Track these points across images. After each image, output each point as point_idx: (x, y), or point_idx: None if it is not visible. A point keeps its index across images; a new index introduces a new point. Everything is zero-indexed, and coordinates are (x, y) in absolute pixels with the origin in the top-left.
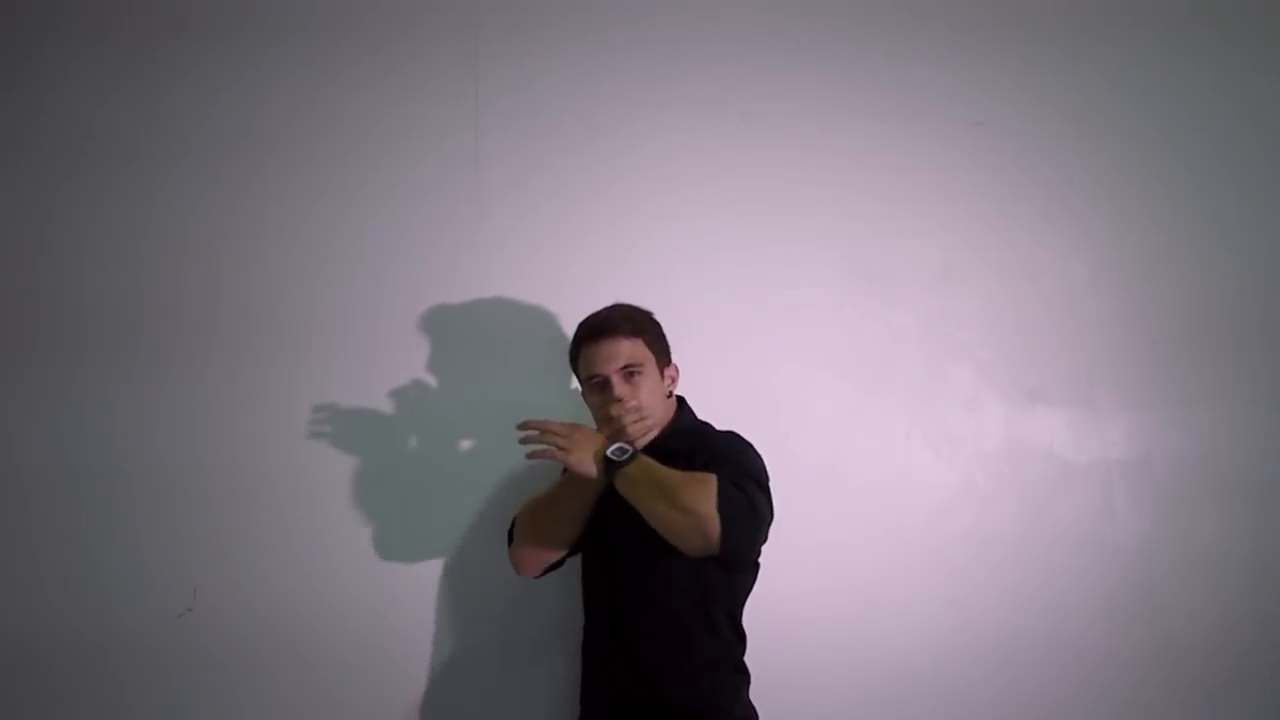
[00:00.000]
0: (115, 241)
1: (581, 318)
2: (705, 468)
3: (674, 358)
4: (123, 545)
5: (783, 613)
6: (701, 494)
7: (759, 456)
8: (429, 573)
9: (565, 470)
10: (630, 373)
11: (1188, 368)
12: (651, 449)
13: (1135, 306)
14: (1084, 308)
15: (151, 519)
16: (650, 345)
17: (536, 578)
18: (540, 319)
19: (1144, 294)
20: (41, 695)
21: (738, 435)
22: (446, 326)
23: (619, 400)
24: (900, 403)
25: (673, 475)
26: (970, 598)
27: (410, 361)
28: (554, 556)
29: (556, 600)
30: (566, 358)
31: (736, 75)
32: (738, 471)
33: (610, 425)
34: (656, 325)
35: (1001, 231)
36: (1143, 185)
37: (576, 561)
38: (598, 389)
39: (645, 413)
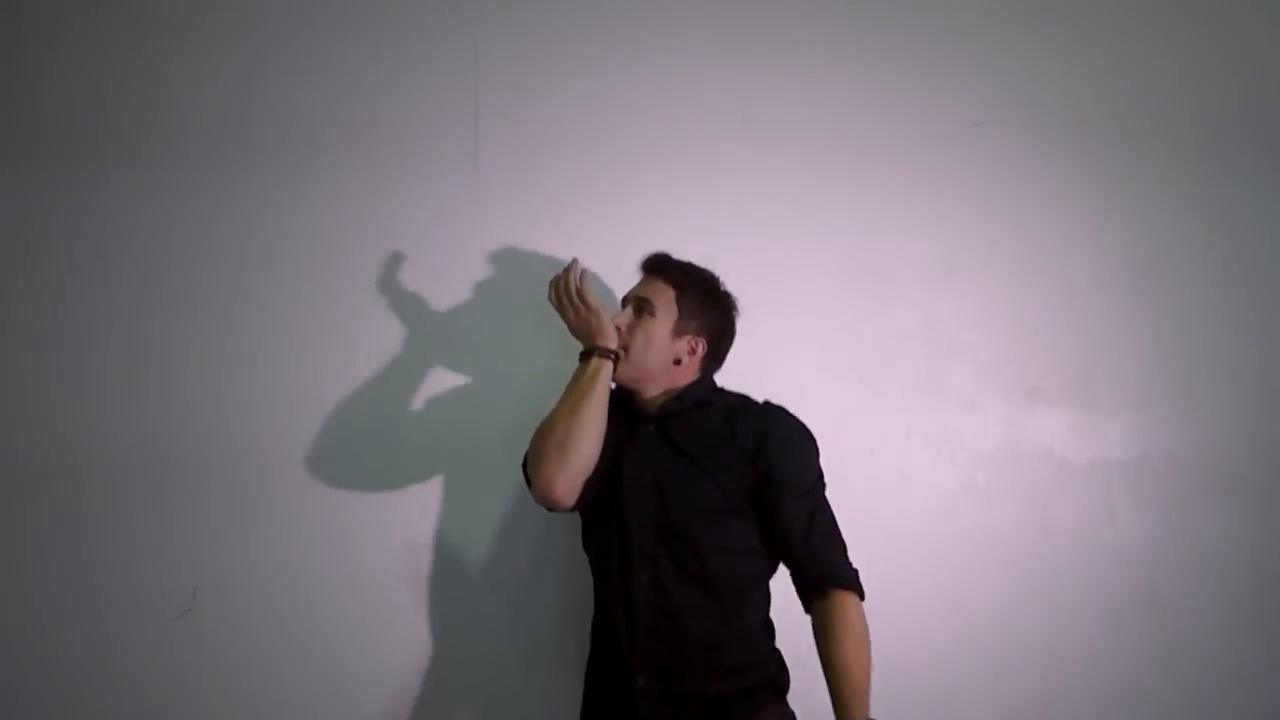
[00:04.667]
0: (113, 238)
1: None
2: (770, 487)
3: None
4: (122, 545)
5: (781, 614)
6: None
7: (814, 447)
8: (432, 571)
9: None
10: (641, 308)
11: (1188, 367)
12: (658, 412)
13: (1135, 306)
14: (1085, 307)
15: (150, 519)
16: (679, 301)
17: (574, 508)
18: (539, 316)
19: (1144, 293)
20: (42, 695)
21: (790, 420)
22: (445, 323)
23: (617, 327)
24: (900, 402)
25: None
26: (971, 598)
27: (409, 359)
28: (588, 466)
29: (563, 596)
30: (563, 357)
31: (737, 74)
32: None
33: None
34: (710, 297)
35: (1001, 231)
36: (1143, 184)
37: (572, 565)
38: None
39: (626, 345)
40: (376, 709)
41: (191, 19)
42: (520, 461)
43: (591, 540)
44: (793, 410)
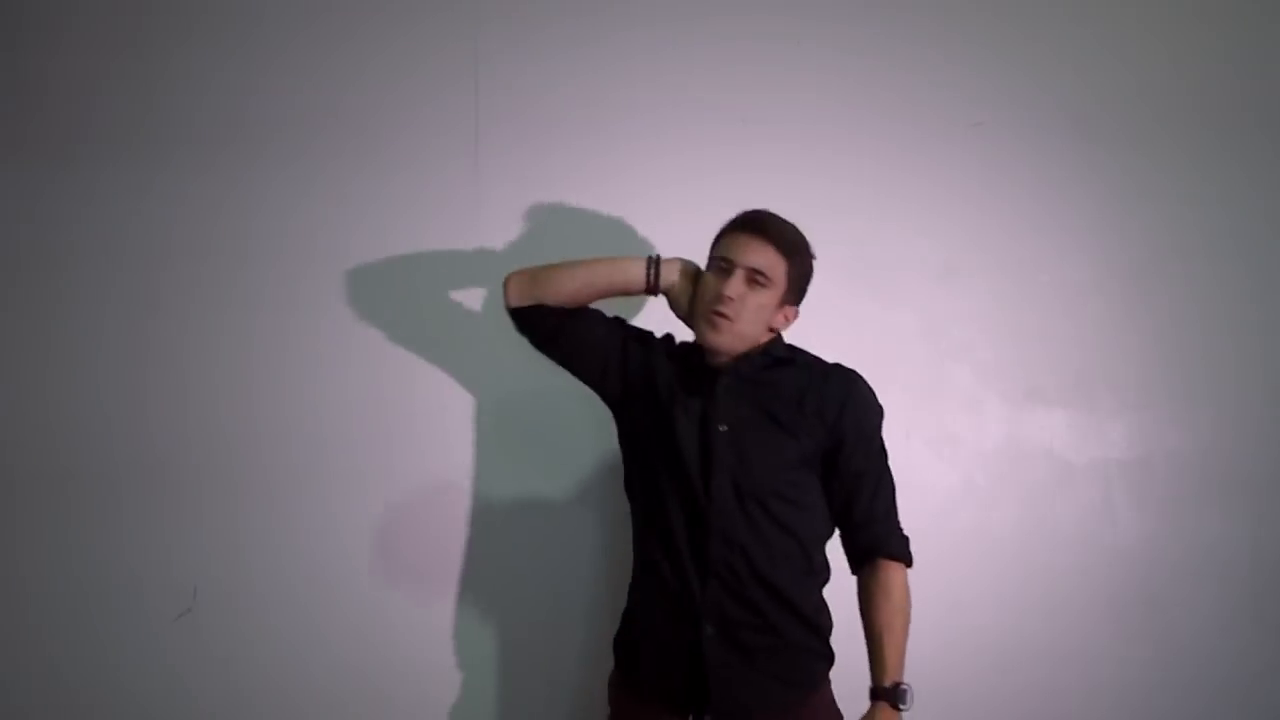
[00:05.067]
0: (110, 236)
1: None
2: (849, 467)
3: None
4: (122, 545)
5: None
6: None
7: (882, 417)
8: (431, 572)
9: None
10: (754, 279)
11: (1188, 367)
12: (735, 367)
13: (1135, 306)
14: (1084, 308)
15: (151, 519)
16: (790, 274)
17: (515, 308)
18: None
19: (1144, 294)
20: (42, 695)
21: (868, 390)
22: (445, 325)
23: (728, 298)
24: (900, 403)
25: None
26: (971, 599)
27: (409, 360)
28: (552, 298)
29: (571, 598)
30: None
31: (737, 73)
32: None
33: (703, 307)
34: (807, 266)
35: (1001, 231)
36: (1144, 184)
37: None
38: (721, 272)
39: (734, 317)
40: (377, 709)
41: (189, 17)
42: (518, 457)
43: (651, 487)
44: None
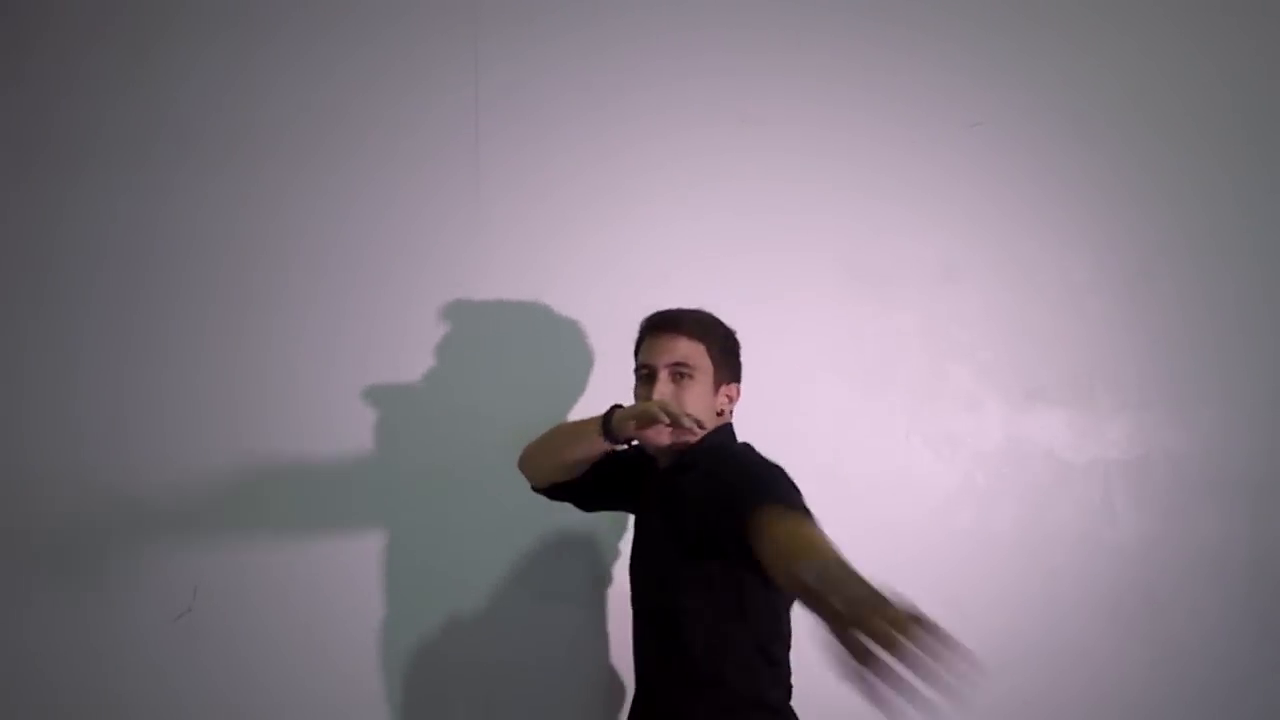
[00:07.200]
0: (118, 241)
1: (580, 318)
2: (730, 500)
3: None
4: (123, 545)
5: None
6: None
7: (790, 483)
8: (428, 573)
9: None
10: (679, 374)
11: (1187, 367)
12: (660, 473)
13: (1134, 306)
14: (1084, 308)
15: (151, 519)
16: (712, 355)
17: (545, 492)
18: (539, 319)
19: (1143, 294)
20: (41, 695)
21: (754, 455)
22: (446, 326)
23: (658, 400)
24: (900, 403)
25: None
26: (970, 597)
27: (410, 360)
28: (545, 478)
29: (570, 595)
30: (563, 358)
31: (736, 75)
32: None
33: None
34: (729, 340)
35: (1001, 231)
36: (1142, 185)
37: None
38: (644, 380)
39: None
40: (376, 709)
41: (194, 21)
42: (516, 461)
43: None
44: (794, 411)
